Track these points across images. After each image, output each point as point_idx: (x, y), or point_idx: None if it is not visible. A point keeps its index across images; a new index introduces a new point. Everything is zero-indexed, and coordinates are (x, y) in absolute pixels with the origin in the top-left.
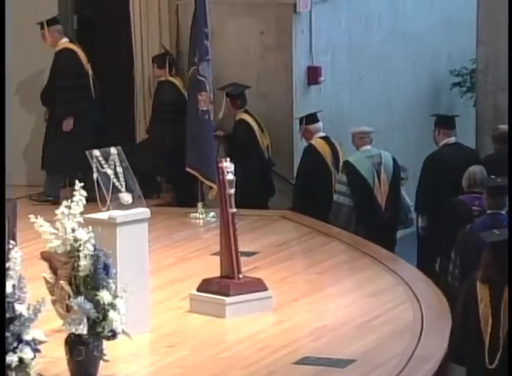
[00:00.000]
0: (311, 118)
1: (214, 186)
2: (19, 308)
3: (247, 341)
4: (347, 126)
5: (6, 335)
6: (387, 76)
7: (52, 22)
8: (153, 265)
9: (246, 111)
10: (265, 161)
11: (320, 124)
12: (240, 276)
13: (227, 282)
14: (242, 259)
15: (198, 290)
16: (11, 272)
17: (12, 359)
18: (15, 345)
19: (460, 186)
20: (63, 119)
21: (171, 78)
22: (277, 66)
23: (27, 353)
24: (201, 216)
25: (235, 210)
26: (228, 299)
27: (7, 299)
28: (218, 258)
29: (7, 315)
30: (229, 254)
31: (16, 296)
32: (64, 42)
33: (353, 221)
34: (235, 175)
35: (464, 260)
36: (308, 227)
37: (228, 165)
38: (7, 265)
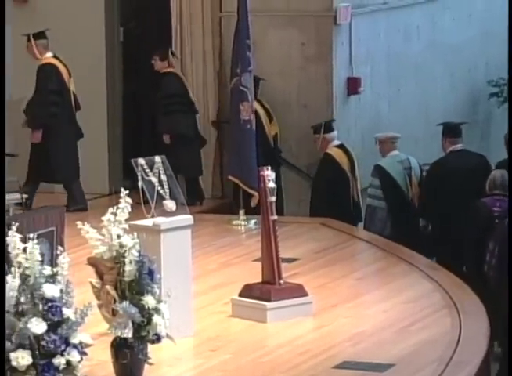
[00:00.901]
0: (329, 127)
1: (256, 194)
2: (67, 312)
3: (288, 346)
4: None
5: (54, 338)
6: (426, 86)
7: (38, 36)
8: (196, 271)
9: (256, 99)
10: (270, 148)
11: (335, 132)
12: (281, 281)
13: (268, 288)
14: (283, 265)
15: (240, 295)
16: (59, 277)
17: (59, 361)
18: (62, 347)
19: (465, 189)
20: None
21: (174, 70)
22: (317, 77)
23: (74, 356)
24: (243, 223)
25: (276, 217)
26: (269, 304)
27: (55, 303)
28: (259, 264)
29: (55, 319)
30: (271, 261)
31: (64, 300)
32: (48, 57)
33: (388, 224)
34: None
35: (502, 251)
36: (347, 234)
37: (269, 173)
38: (55, 270)
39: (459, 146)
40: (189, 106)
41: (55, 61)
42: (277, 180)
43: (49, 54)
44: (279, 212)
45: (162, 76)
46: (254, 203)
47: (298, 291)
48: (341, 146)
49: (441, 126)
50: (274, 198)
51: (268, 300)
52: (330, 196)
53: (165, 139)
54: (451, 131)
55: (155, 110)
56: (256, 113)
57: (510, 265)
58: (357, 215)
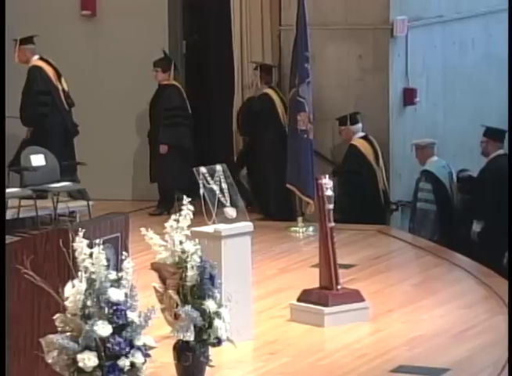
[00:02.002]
0: (354, 118)
1: (312, 202)
2: (131, 315)
3: (345, 350)
4: (440, 145)
5: (119, 341)
6: (481, 97)
7: (25, 41)
8: (255, 276)
9: (271, 87)
10: (285, 135)
11: (360, 125)
12: (339, 287)
13: (326, 293)
14: (340, 271)
15: (298, 300)
16: (124, 282)
17: (124, 363)
18: (127, 350)
19: None
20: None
21: (175, 82)
22: (374, 88)
23: (138, 358)
24: (301, 230)
25: (333, 224)
26: (326, 309)
27: (120, 307)
28: (317, 270)
29: (120, 322)
30: (328, 267)
31: (129, 304)
32: (34, 60)
33: (438, 228)
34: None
35: None
36: (403, 241)
37: (327, 182)
38: (120, 274)
39: (502, 151)
40: (188, 119)
41: (41, 63)
42: None
43: (36, 57)
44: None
45: (163, 88)
46: (309, 210)
47: (355, 297)
48: (365, 137)
49: (487, 130)
50: (332, 206)
51: (326, 305)
52: (356, 187)
53: (162, 149)
54: (497, 135)
55: (157, 120)
56: (271, 101)
57: (509, 264)
58: (386, 202)
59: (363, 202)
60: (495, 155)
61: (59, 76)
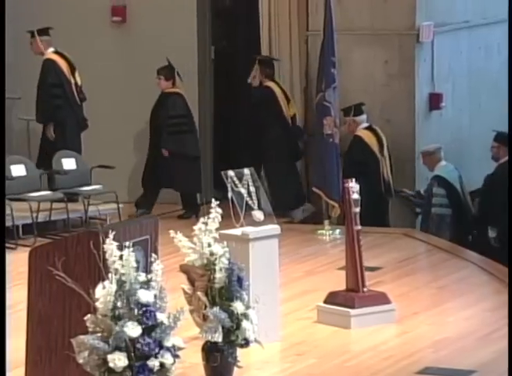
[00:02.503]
0: (359, 110)
1: (337, 206)
2: (161, 316)
3: (371, 351)
4: (466, 149)
5: (149, 341)
6: (506, 102)
7: (42, 32)
8: (283, 278)
9: (273, 80)
10: (288, 128)
11: (365, 116)
12: (365, 289)
13: (352, 295)
14: (366, 274)
15: (325, 302)
16: (153, 283)
17: (154, 363)
18: (156, 350)
19: None
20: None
21: (178, 90)
22: (400, 93)
23: (167, 358)
24: (328, 233)
25: (360, 227)
26: (353, 311)
27: (150, 308)
28: (343, 273)
29: (149, 323)
30: (354, 269)
31: (158, 305)
32: (49, 52)
33: (455, 231)
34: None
35: None
36: (429, 244)
37: (353, 185)
38: (149, 276)
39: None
40: (192, 126)
41: (54, 56)
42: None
43: (51, 49)
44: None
45: (167, 95)
46: (335, 213)
47: (381, 299)
48: (370, 128)
49: (498, 135)
50: (358, 209)
51: (352, 307)
52: (361, 177)
53: (164, 152)
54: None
55: (159, 128)
56: (273, 93)
57: (509, 263)
58: (387, 193)
59: (367, 192)
60: (505, 160)
61: (72, 70)
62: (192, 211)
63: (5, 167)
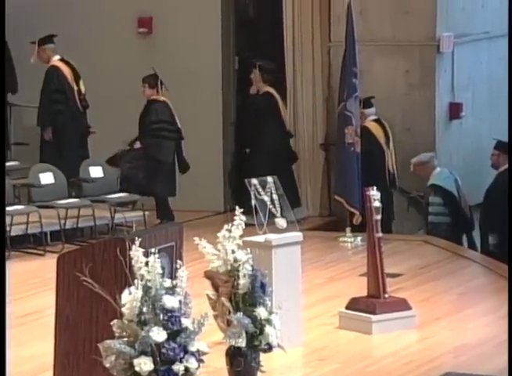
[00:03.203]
0: (368, 102)
1: (357, 213)
2: (185, 322)
3: (393, 357)
4: (486, 158)
5: (174, 346)
6: None
7: (45, 40)
8: (305, 285)
9: (271, 85)
10: (285, 132)
11: (374, 109)
12: (386, 295)
13: (373, 301)
14: (387, 280)
15: (347, 308)
16: (178, 289)
17: (179, 368)
18: (181, 355)
19: None
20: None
21: (162, 98)
22: (421, 103)
23: (192, 363)
24: (349, 240)
25: (381, 234)
26: (374, 317)
27: (175, 313)
28: (365, 279)
29: (174, 328)
30: (376, 276)
31: (183, 311)
32: (54, 60)
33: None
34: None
35: None
36: (449, 251)
37: (374, 193)
38: (174, 282)
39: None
40: (175, 133)
41: (59, 63)
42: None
43: (56, 57)
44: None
45: (150, 103)
46: (356, 221)
47: (402, 305)
48: (377, 121)
49: (498, 143)
50: (379, 217)
51: (374, 313)
52: (367, 166)
53: (136, 145)
54: (507, 147)
55: (144, 134)
56: (273, 97)
57: (509, 263)
58: (392, 185)
59: (372, 181)
60: (505, 168)
61: (77, 77)
62: (166, 217)
63: (4, 167)
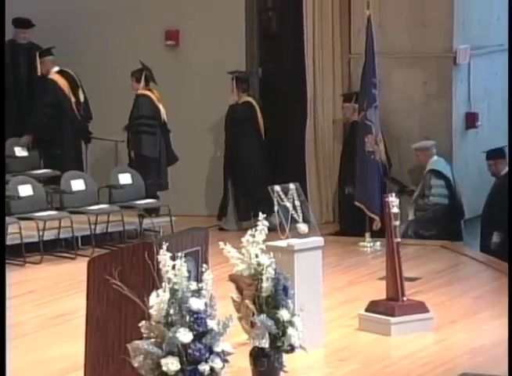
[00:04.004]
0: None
1: (377, 219)
2: (211, 323)
3: (410, 358)
4: None
5: (200, 347)
6: None
7: (44, 53)
8: (326, 288)
9: (249, 95)
10: (261, 140)
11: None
12: (404, 298)
13: (392, 304)
14: (405, 284)
15: (366, 310)
16: (204, 292)
17: (204, 368)
18: (207, 355)
19: None
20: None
21: (147, 92)
22: (438, 112)
23: (217, 363)
24: (369, 245)
25: (399, 240)
26: (393, 319)
27: (200, 315)
28: (384, 283)
29: (200, 329)
30: (394, 279)
31: (208, 313)
32: (52, 72)
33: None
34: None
35: None
36: (465, 256)
37: (393, 200)
38: (200, 285)
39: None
40: (159, 128)
41: (56, 76)
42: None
43: (55, 69)
44: None
45: (137, 97)
46: (376, 226)
47: (420, 308)
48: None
49: (489, 153)
50: (398, 222)
51: (392, 315)
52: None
53: (132, 154)
54: (500, 154)
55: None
56: (253, 108)
57: (509, 263)
58: (384, 175)
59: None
60: (505, 172)
61: (74, 88)
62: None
63: (5, 168)
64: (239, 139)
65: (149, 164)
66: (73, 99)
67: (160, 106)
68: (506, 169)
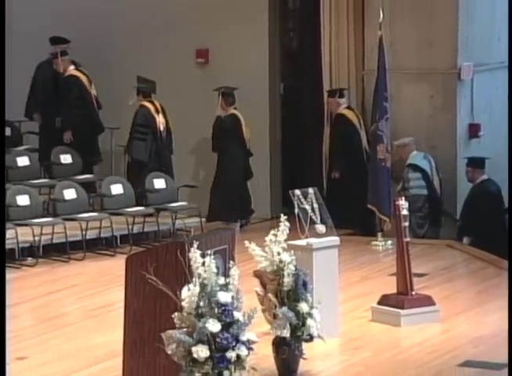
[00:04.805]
0: (342, 93)
1: (388, 220)
2: (237, 315)
3: (418, 346)
4: (501, 172)
5: (227, 336)
6: None
7: (63, 53)
8: (341, 283)
9: (235, 108)
10: (246, 150)
11: (345, 99)
12: (413, 293)
13: (402, 297)
14: (414, 279)
15: (378, 303)
16: (231, 286)
17: (231, 355)
18: (233, 344)
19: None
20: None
21: (145, 103)
22: (444, 124)
23: (243, 351)
24: (380, 244)
25: (409, 239)
26: (403, 311)
27: (228, 307)
28: (394, 278)
29: (227, 320)
30: (404, 275)
31: (235, 305)
32: (71, 69)
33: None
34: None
35: None
36: (469, 254)
37: (403, 203)
38: (227, 280)
39: (486, 176)
40: (151, 135)
41: (76, 72)
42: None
43: (72, 66)
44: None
45: (138, 108)
46: (386, 227)
47: (427, 301)
48: (349, 107)
49: (470, 161)
50: (407, 223)
51: (402, 308)
52: (347, 149)
53: (128, 158)
54: (479, 164)
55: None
56: (238, 120)
57: (509, 263)
58: (368, 162)
59: (351, 163)
60: (480, 180)
61: (90, 83)
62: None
63: (4, 168)
64: (226, 147)
65: (137, 167)
66: (92, 92)
67: (159, 116)
68: (482, 178)
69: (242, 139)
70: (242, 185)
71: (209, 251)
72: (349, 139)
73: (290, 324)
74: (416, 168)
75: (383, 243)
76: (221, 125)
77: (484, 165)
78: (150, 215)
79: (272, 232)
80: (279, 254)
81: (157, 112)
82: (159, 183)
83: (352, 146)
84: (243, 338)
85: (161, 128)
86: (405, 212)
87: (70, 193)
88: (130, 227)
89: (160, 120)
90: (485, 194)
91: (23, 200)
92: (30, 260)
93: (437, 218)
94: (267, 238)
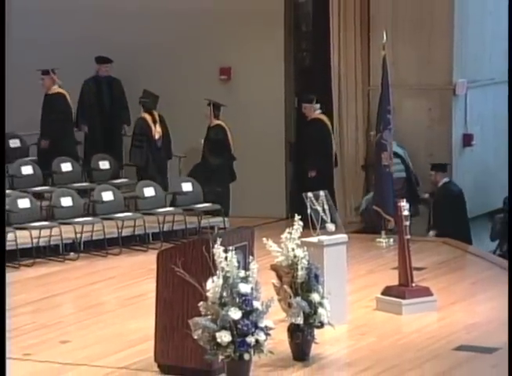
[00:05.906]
0: (317, 100)
1: (392, 220)
2: (256, 304)
3: (418, 333)
4: (491, 177)
5: (247, 323)
6: None
7: (52, 71)
8: (349, 275)
9: (219, 119)
10: (231, 156)
11: (319, 105)
12: (413, 284)
13: (403, 289)
14: (414, 272)
15: (382, 294)
16: (250, 279)
17: (251, 340)
18: (253, 330)
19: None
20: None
21: (144, 115)
22: (440, 134)
23: (261, 336)
24: (384, 241)
25: (409, 236)
26: (404, 301)
27: (248, 297)
28: (396, 272)
29: (247, 308)
30: (405, 269)
31: (254, 295)
32: (56, 88)
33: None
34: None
35: None
36: (463, 250)
37: (404, 204)
38: (247, 273)
39: (447, 179)
40: (146, 143)
41: (61, 90)
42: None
43: (56, 86)
44: None
45: (137, 119)
46: (390, 226)
47: (426, 292)
48: (323, 113)
49: (433, 166)
50: (408, 223)
51: (403, 298)
52: (322, 149)
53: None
54: (442, 168)
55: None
56: (224, 130)
57: (509, 263)
58: (336, 162)
59: (325, 161)
60: (443, 183)
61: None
62: None
63: (4, 168)
64: (212, 155)
65: (137, 172)
66: (73, 111)
67: (155, 126)
68: (444, 181)
69: (228, 148)
70: (227, 187)
71: (231, 247)
72: (322, 141)
73: (304, 312)
74: (395, 154)
75: (386, 240)
76: (207, 135)
77: (446, 169)
78: (179, 214)
79: (288, 230)
80: (293, 250)
81: (154, 122)
82: (186, 186)
83: (326, 148)
84: (262, 324)
85: (156, 137)
86: (406, 213)
87: (108, 195)
88: (161, 226)
89: (156, 129)
90: (448, 194)
91: (66, 201)
92: (72, 255)
93: (415, 197)
94: (283, 236)
